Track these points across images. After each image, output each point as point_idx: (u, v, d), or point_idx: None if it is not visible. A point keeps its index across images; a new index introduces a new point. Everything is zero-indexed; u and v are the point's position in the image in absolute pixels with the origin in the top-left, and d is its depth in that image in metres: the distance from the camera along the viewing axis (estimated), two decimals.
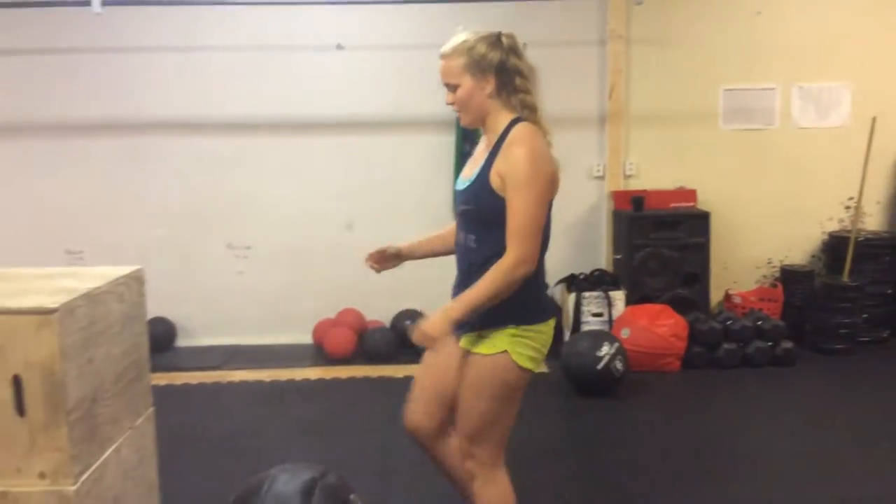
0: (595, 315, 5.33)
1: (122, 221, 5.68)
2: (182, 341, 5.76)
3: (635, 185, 5.81)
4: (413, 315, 5.60)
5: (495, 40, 2.36)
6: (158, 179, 5.69)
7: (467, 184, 2.42)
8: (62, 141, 5.61)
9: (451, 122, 5.68)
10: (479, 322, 2.36)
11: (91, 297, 2.16)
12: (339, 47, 5.64)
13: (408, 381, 5.07)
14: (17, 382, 1.94)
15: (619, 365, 4.55)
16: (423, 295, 5.74)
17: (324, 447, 3.85)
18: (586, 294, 5.34)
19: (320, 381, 4.97)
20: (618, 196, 5.73)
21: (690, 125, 5.80)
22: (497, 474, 2.46)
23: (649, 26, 5.70)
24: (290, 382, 4.93)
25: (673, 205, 5.64)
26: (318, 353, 5.43)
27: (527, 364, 2.37)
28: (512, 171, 2.26)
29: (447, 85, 2.40)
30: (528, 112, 2.37)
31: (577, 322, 5.31)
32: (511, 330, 2.34)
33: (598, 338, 4.68)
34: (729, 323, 5.13)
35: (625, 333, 5.02)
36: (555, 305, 2.53)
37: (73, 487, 1.99)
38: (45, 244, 5.60)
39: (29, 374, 1.94)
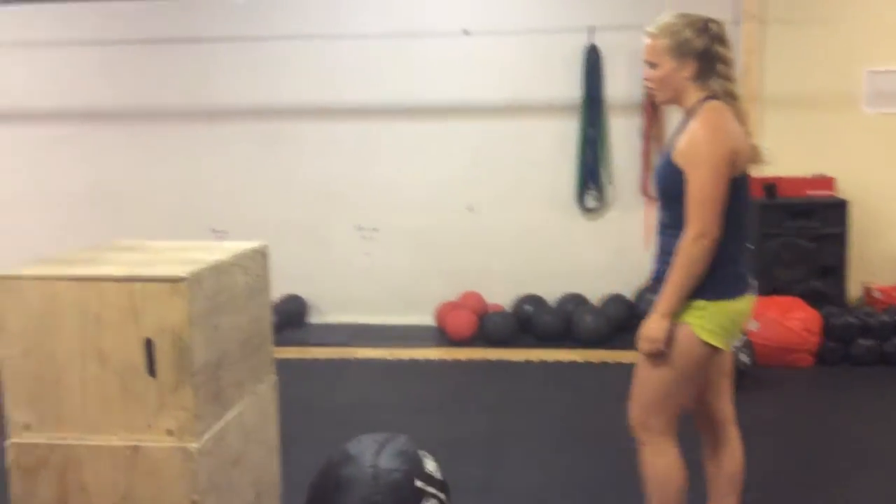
0: None
1: (261, 202, 5.99)
2: (313, 318, 6.02)
3: (768, 171, 5.57)
4: (534, 300, 5.62)
5: (702, 27, 2.40)
6: (295, 163, 5.95)
7: (659, 160, 2.51)
8: (208, 126, 5.97)
9: (575, 108, 5.65)
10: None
11: (217, 269, 2.32)
12: (466, 33, 5.70)
13: (525, 364, 5.13)
14: (149, 345, 2.12)
15: (744, 358, 4.41)
16: (542, 281, 5.77)
17: (436, 424, 3.95)
18: None
19: (440, 361, 5.08)
20: (751, 183, 5.51)
21: (830, 109, 5.50)
22: (668, 445, 2.49)
23: (786, 5, 5.44)
24: (411, 361, 5.07)
25: (809, 192, 5.38)
26: (440, 334, 5.55)
27: (708, 338, 2.37)
28: (689, 146, 2.33)
29: (647, 62, 2.46)
30: (727, 98, 2.41)
31: None
32: (693, 303, 2.35)
33: None
34: (867, 318, 4.87)
35: (753, 326, 4.85)
36: (747, 283, 2.51)
37: (197, 445, 2.15)
38: (193, 222, 5.97)
39: (160, 338, 2.12)
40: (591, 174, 5.73)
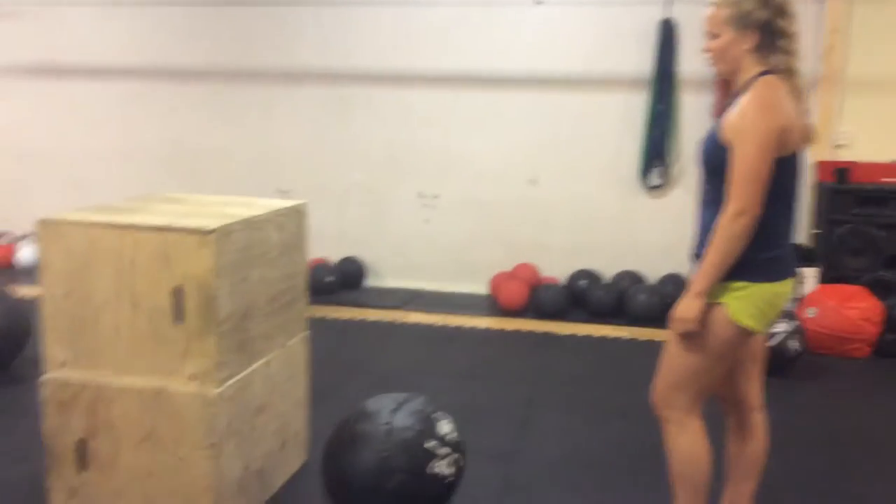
0: None
1: (327, 165, 6.11)
2: (370, 281, 6.14)
3: (847, 156, 5.38)
4: (588, 275, 5.59)
5: None
6: (361, 128, 6.04)
7: (707, 132, 2.46)
8: (281, 88, 6.10)
9: (644, 82, 5.55)
10: None
11: (249, 224, 2.40)
12: (538, 2, 5.65)
13: (572, 338, 5.12)
14: (177, 293, 2.23)
15: (793, 344, 4.30)
16: (599, 257, 5.73)
17: (473, 391, 4.01)
18: None
19: (488, 330, 5.12)
20: (822, 166, 5.34)
21: None
22: (692, 422, 2.47)
23: None
24: (460, 329, 5.13)
25: (884, 179, 5.16)
26: (492, 303, 5.58)
27: (745, 320, 2.33)
28: (737, 120, 2.28)
29: (708, 32, 2.43)
30: (785, 73, 2.36)
31: None
32: (733, 283, 2.32)
33: None
34: None
35: (810, 313, 4.72)
36: (791, 267, 2.46)
37: (218, 391, 2.25)
38: (261, 182, 6.14)
39: (188, 286, 2.22)
40: (658, 151, 5.63)
